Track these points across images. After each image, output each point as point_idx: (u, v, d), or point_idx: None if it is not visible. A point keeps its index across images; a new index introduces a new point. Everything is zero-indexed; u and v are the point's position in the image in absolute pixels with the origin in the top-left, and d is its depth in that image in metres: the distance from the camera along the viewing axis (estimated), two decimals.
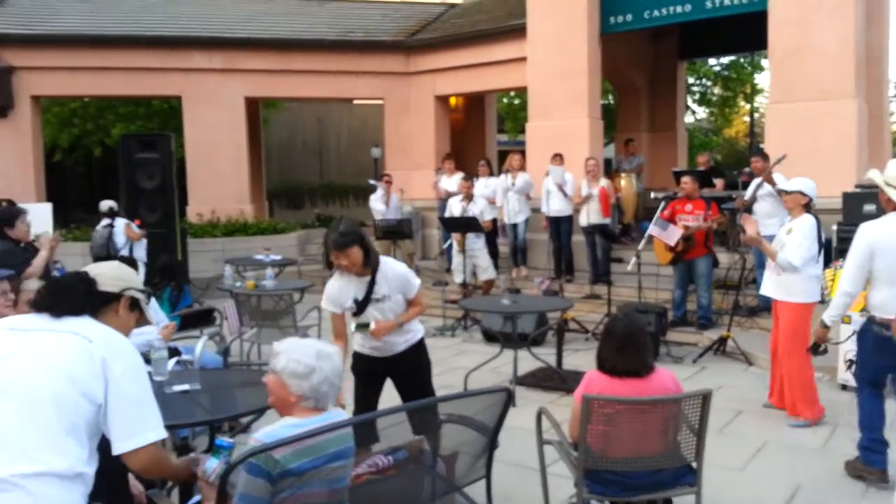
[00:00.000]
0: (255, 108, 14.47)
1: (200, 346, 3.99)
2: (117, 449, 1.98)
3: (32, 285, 4.48)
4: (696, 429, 3.07)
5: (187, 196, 12.30)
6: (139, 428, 2.00)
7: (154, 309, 5.04)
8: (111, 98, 14.89)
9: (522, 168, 9.78)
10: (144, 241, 8.47)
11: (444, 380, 6.14)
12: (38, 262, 5.66)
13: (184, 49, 12.33)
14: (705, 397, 3.05)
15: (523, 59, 11.00)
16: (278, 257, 9.29)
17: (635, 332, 3.10)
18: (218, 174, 12.44)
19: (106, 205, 8.58)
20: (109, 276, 2.24)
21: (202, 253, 10.88)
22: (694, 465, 3.12)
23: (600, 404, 2.97)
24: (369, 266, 3.62)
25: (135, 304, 2.27)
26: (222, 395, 3.49)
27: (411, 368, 3.80)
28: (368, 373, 3.78)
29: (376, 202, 10.49)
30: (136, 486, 2.70)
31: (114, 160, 19.39)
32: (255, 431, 2.50)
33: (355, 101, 18.70)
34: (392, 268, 3.70)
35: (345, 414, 2.56)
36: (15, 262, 5.22)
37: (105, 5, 13.51)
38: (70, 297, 2.11)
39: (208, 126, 12.47)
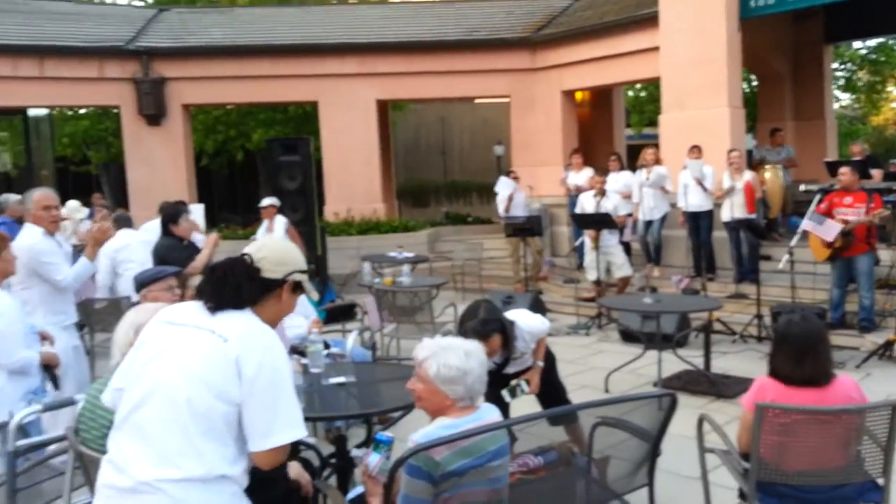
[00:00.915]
0: (385, 110, 14.78)
1: (352, 340, 4.07)
2: (252, 446, 1.96)
3: (194, 282, 4.72)
4: (882, 442, 2.81)
5: (324, 196, 12.72)
6: (273, 427, 1.95)
7: (302, 303, 5.20)
8: (252, 105, 15.66)
9: (658, 162, 9.39)
10: None
11: (583, 379, 6.00)
12: (202, 260, 5.94)
13: (318, 55, 12.77)
14: (895, 408, 2.77)
15: (655, 49, 10.57)
16: (411, 254, 9.43)
17: (815, 337, 2.87)
18: (352, 175, 12.81)
19: (269, 201, 8.85)
20: (274, 260, 2.14)
21: (339, 250, 11.23)
22: (880, 481, 2.86)
23: (775, 413, 2.77)
24: (508, 348, 3.54)
25: (298, 286, 2.18)
26: (374, 389, 3.54)
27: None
28: (498, 377, 3.74)
29: (502, 202, 10.41)
30: (302, 475, 2.74)
31: (254, 164, 20.51)
32: (402, 425, 2.45)
33: (477, 101, 18.74)
34: (527, 329, 3.64)
35: (495, 410, 2.49)
36: (178, 257, 5.49)
37: (246, 18, 14.23)
38: (228, 291, 2.05)
39: (342, 129, 12.86)
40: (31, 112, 16.50)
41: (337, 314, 6.62)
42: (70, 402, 3.35)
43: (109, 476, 1.98)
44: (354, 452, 3.00)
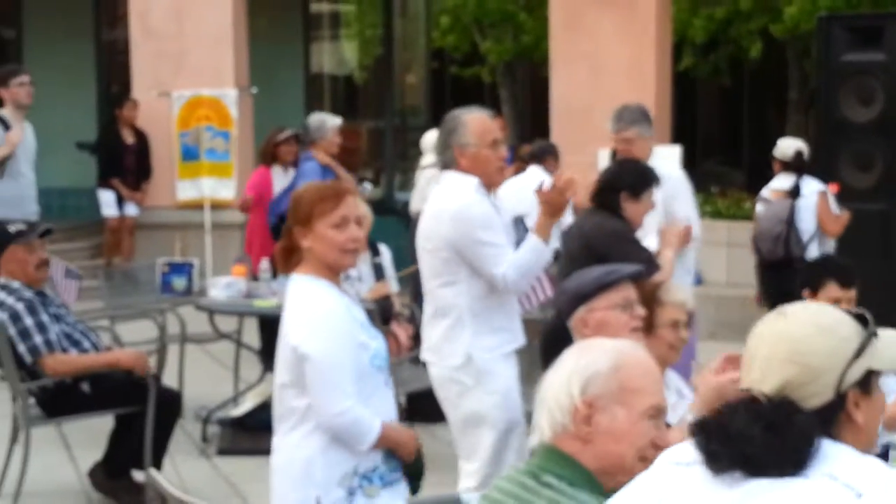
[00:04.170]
0: None
1: None
2: None
3: (679, 295, 4.72)
4: None
5: None
6: None
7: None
8: None
9: None
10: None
11: None
12: (667, 264, 6.03)
13: None
14: None
15: None
16: None
17: None
18: None
19: (791, 147, 9.02)
20: (802, 378, 2.26)
21: None
22: None
23: None
24: None
25: (869, 379, 2.31)
26: None
27: None
28: None
29: None
30: None
31: (781, 67, 20.33)
32: None
33: None
34: None
35: None
36: (627, 255, 5.63)
37: None
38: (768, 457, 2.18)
39: None
40: None
41: None
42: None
43: None
44: None
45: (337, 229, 4.05)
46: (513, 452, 5.06)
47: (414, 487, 4.45)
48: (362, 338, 4.18)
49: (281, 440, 4.22)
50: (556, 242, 7.34)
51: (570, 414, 2.78)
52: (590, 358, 2.86)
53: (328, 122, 9.46)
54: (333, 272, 4.17)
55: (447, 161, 5.06)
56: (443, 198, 5.05)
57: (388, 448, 4.22)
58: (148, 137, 13.68)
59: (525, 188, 7.73)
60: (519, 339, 5.26)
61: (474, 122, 5.05)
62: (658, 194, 6.78)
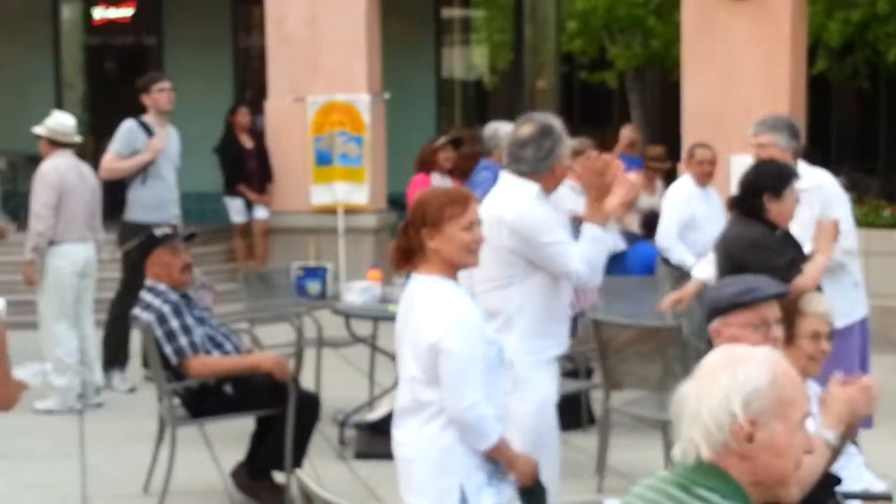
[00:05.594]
0: None
1: None
2: None
3: (821, 306, 4.60)
4: None
5: None
6: None
7: None
8: None
9: None
10: None
11: None
12: (814, 271, 5.94)
13: None
14: None
15: None
16: None
17: None
18: None
19: None
20: None
21: None
22: None
23: None
24: None
25: None
26: None
27: None
28: None
29: None
30: None
31: None
32: None
33: None
34: None
35: None
36: (770, 262, 5.57)
37: None
38: None
39: None
40: None
41: None
42: None
43: None
44: None
45: (465, 231, 4.29)
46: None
47: None
48: (490, 334, 4.42)
49: (414, 433, 4.38)
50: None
51: (732, 433, 2.72)
52: (746, 372, 2.78)
53: (502, 129, 9.38)
54: (456, 271, 4.38)
55: (540, 168, 5.09)
56: (501, 205, 5.10)
57: (502, 461, 4.35)
58: (265, 140, 13.96)
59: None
60: (563, 344, 5.30)
61: (568, 139, 5.21)
62: (816, 205, 6.66)
